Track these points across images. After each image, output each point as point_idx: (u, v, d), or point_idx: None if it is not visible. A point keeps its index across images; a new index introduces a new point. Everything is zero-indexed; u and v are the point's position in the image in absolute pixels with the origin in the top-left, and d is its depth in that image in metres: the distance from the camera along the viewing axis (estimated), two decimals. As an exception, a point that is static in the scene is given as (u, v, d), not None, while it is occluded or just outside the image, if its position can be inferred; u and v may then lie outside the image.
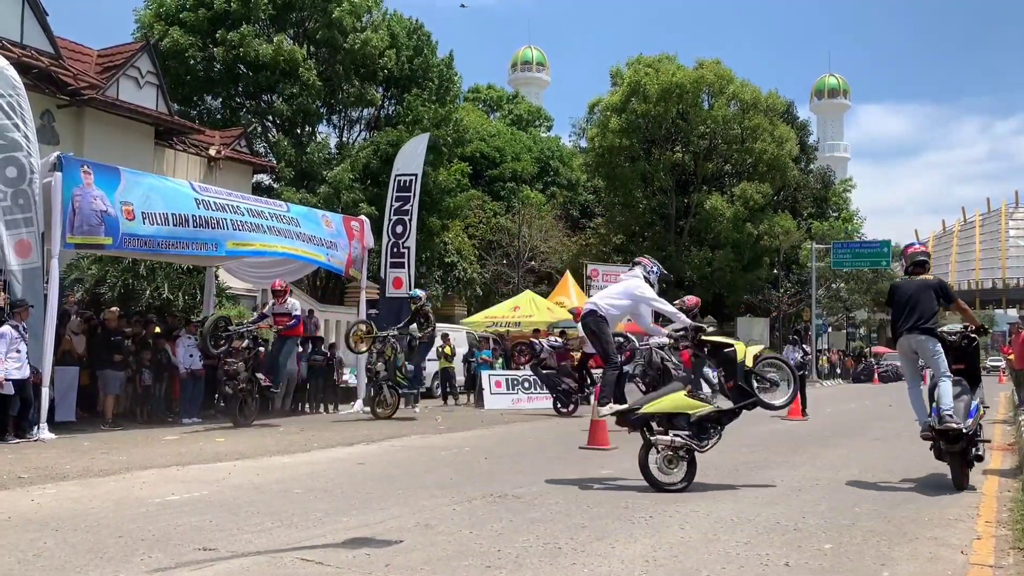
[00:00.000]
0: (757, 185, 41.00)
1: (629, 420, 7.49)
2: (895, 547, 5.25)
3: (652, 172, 41.84)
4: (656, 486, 7.17)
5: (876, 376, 43.35)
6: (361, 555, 4.87)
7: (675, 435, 7.21)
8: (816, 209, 50.05)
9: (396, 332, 15.06)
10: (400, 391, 15.29)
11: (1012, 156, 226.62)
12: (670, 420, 7.29)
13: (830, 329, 51.73)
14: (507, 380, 19.30)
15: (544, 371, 17.10)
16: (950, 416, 7.22)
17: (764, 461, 9.55)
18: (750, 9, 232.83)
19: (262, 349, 14.00)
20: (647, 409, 7.38)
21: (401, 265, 17.79)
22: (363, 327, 15.12)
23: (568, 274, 32.09)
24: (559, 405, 16.84)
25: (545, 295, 30.03)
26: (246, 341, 13.37)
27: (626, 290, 8.21)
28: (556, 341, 18.28)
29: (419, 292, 15.90)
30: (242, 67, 28.09)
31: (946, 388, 7.41)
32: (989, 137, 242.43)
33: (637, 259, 8.64)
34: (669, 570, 4.67)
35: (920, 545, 5.31)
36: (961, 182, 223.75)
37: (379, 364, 14.76)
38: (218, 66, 27.87)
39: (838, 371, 46.81)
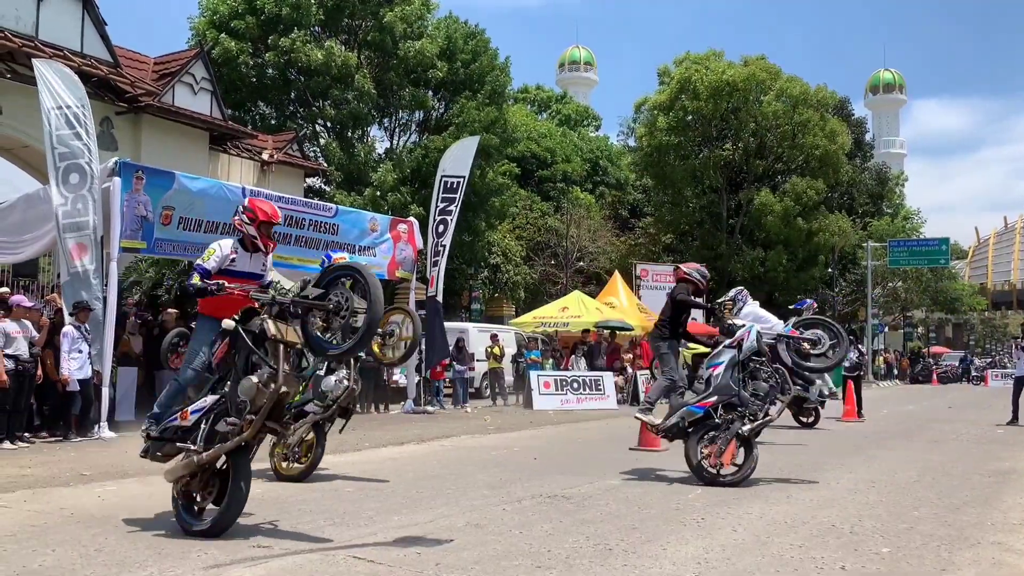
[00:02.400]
0: (810, 181, 40.31)
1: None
2: (956, 552, 5.11)
3: (702, 170, 41.42)
4: None
5: (935, 377, 42.36)
6: (412, 554, 4.91)
7: None
8: (872, 207, 49.04)
9: None
10: None
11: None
12: None
13: (886, 329, 50.63)
14: (556, 381, 19.27)
15: None
16: None
17: (819, 463, 9.39)
18: (801, 5, 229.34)
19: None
20: None
21: (435, 264, 17.88)
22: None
23: (617, 274, 31.93)
24: None
25: (593, 295, 29.92)
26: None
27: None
28: None
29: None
30: (293, 72, 28.52)
31: None
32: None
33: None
34: (721, 573, 4.61)
35: (982, 550, 5.17)
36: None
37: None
38: (270, 72, 28.33)
39: (895, 372, 45.84)
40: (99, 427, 11.12)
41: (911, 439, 12.56)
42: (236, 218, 6.42)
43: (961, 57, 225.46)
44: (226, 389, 5.50)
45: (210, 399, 5.57)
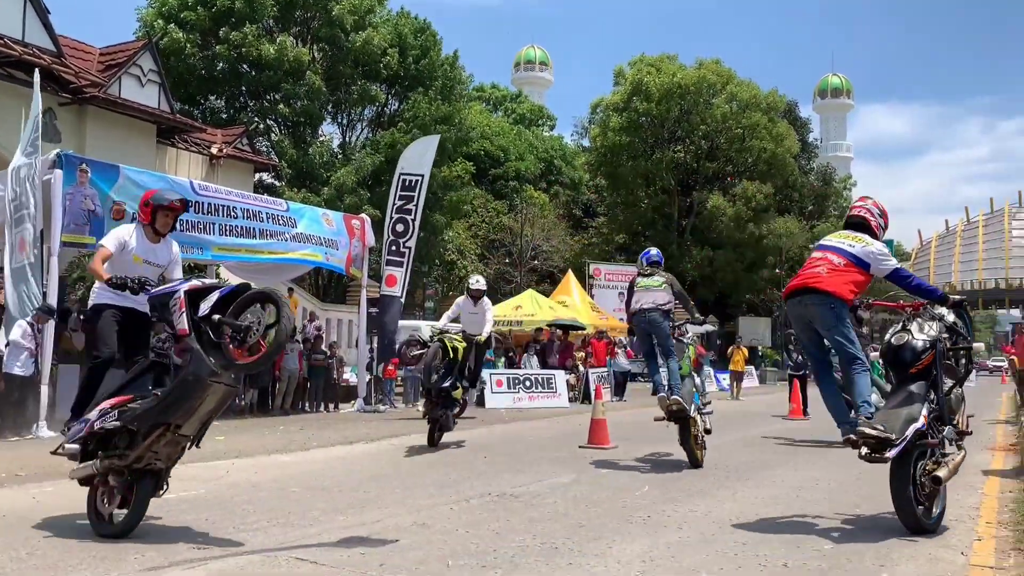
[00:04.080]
0: (759, 185, 40.95)
1: None
2: (895, 548, 5.21)
3: (654, 171, 41.81)
4: None
5: (879, 376, 43.23)
6: (356, 554, 4.84)
7: None
8: (816, 207, 49.96)
9: None
10: None
11: (1015, 156, 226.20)
12: None
13: (832, 329, 51.55)
14: (508, 379, 19.27)
15: None
16: None
17: (765, 461, 9.51)
18: (753, 10, 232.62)
19: None
20: None
21: (399, 264, 17.75)
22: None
23: (570, 273, 32.07)
24: None
25: (547, 294, 30.04)
26: None
27: None
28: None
29: None
30: (245, 66, 28.10)
31: None
32: (992, 137, 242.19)
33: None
34: (666, 570, 4.63)
35: (920, 546, 5.27)
36: (965, 182, 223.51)
37: None
38: (221, 65, 27.89)
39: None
40: (37, 426, 10.82)
41: (855, 437, 12.79)
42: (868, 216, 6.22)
43: (906, 64, 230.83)
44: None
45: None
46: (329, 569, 4.54)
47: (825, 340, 6.02)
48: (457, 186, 32.63)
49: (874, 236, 6.06)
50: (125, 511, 5.16)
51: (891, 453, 5.36)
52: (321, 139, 30.74)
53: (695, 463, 8.72)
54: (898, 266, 5.95)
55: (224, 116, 29.03)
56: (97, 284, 5.87)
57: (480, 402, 18.74)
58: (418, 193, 18.02)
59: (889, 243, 43.54)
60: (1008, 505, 6.75)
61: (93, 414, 5.25)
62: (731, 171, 43.44)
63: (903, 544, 5.31)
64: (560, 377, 19.98)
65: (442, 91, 30.23)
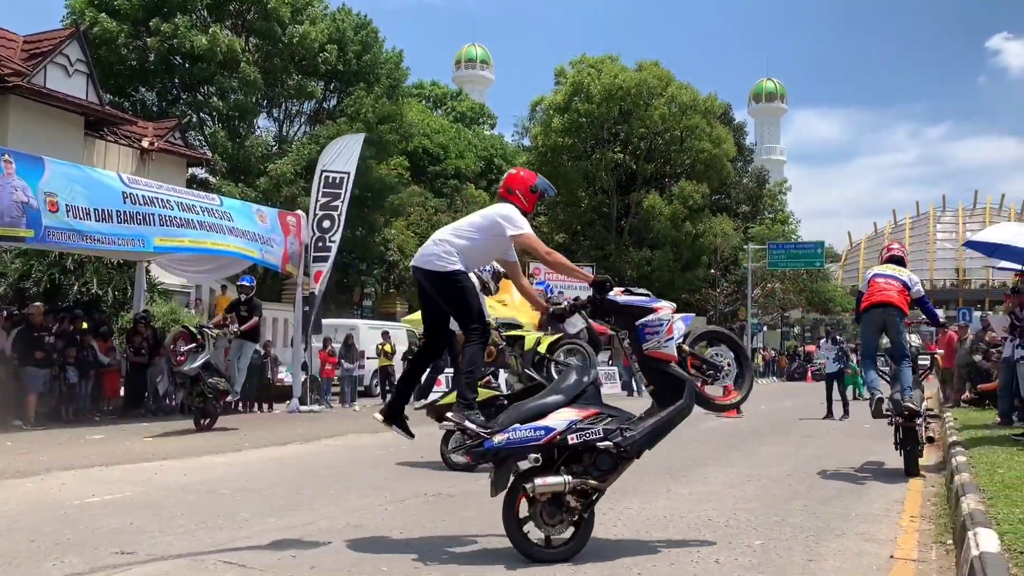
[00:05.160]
0: (695, 185, 41.59)
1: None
2: (823, 543, 5.32)
3: (594, 172, 42.13)
4: None
5: (810, 374, 44.32)
6: (287, 557, 4.75)
7: None
8: (751, 208, 50.93)
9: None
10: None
11: (940, 161, 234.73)
12: None
13: (765, 328, 52.68)
14: (447, 378, 19.17)
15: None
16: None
17: (698, 458, 9.63)
18: (692, 12, 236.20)
19: None
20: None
21: (324, 260, 17.48)
22: None
23: (510, 272, 32.10)
24: None
25: (487, 293, 30.00)
26: None
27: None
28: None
29: None
30: (177, 58, 27.47)
31: None
32: (919, 142, 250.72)
33: None
34: (599, 568, 4.64)
35: (847, 541, 5.39)
36: (892, 185, 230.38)
37: None
38: (152, 56, 27.21)
39: (772, 369, 47.75)
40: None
41: (787, 434, 13.08)
42: None
43: (838, 70, 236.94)
44: None
45: None
46: (258, 572, 4.44)
47: (885, 339, 8.57)
48: (399, 188, 32.43)
49: (904, 267, 8.77)
50: (566, 535, 4.77)
51: (919, 421, 7.90)
52: (257, 133, 30.22)
53: None
54: (923, 292, 8.68)
55: (156, 109, 28.35)
56: (455, 247, 5.18)
57: (418, 401, 18.62)
58: (344, 190, 17.79)
59: (820, 244, 44.91)
60: (930, 499, 6.97)
61: (555, 423, 4.64)
62: (669, 172, 44.02)
63: (831, 539, 5.43)
64: (500, 374, 19.94)
65: (387, 90, 30.03)
